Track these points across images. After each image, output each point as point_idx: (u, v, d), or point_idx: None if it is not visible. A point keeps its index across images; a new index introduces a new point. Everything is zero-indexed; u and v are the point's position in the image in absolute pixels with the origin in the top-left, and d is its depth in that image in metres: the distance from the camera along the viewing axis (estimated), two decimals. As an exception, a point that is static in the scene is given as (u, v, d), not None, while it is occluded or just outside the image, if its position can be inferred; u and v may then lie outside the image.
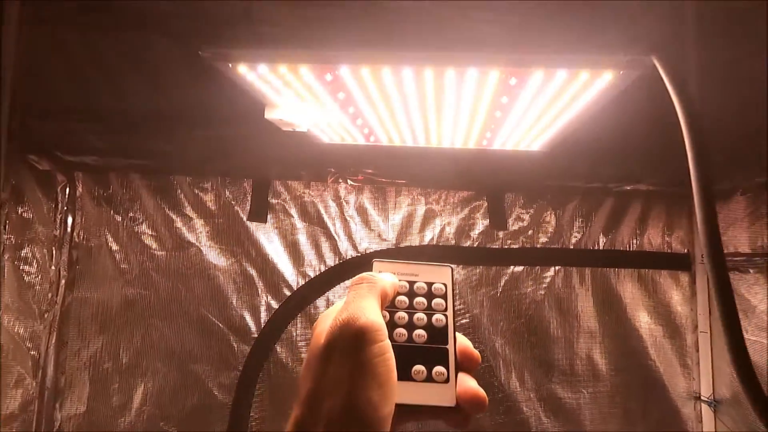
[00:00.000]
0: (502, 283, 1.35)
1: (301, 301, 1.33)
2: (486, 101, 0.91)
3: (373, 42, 1.22)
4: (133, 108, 1.30)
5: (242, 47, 0.82)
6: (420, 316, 0.42)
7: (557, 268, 1.36)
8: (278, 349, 1.32)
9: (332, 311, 0.38)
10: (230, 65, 0.83)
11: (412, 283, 0.43)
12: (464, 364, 0.40)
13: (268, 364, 1.32)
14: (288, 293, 1.34)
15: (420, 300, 0.42)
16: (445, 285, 0.43)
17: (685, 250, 1.37)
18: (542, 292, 1.35)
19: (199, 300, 1.32)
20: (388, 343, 0.36)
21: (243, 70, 0.85)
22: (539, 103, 0.90)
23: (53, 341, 1.31)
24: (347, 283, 1.34)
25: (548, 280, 1.36)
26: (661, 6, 1.34)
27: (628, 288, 1.36)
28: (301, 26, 1.29)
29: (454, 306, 0.43)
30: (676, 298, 1.36)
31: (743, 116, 1.26)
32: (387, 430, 0.33)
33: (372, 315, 0.36)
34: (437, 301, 0.43)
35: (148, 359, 1.32)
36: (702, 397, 1.33)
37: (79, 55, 1.29)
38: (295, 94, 0.93)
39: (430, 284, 0.43)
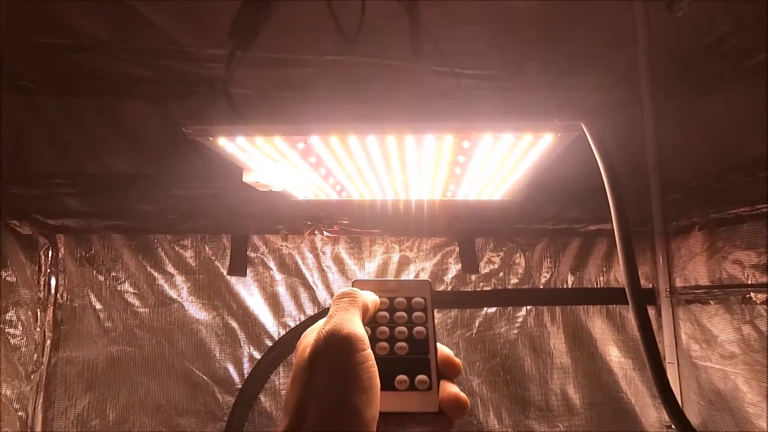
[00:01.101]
0: (476, 325, 1.38)
1: (283, 351, 1.34)
2: (445, 161, 0.96)
3: (340, 100, 1.25)
4: (112, 170, 1.33)
5: (222, 123, 0.85)
6: (401, 329, 0.43)
7: (529, 307, 1.39)
8: (262, 398, 1.33)
9: (316, 327, 0.39)
10: (211, 139, 0.86)
11: (392, 299, 0.45)
12: (446, 372, 0.42)
13: (252, 414, 1.33)
14: (269, 343, 1.35)
15: (400, 314, 0.44)
16: (425, 299, 0.45)
17: (650, 285, 1.40)
18: (515, 331, 1.38)
19: (182, 354, 1.33)
20: (370, 352, 0.37)
21: (222, 142, 0.88)
22: (493, 160, 0.95)
23: (40, 401, 1.30)
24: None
25: (520, 319, 1.39)
26: (612, 54, 1.39)
27: (598, 324, 1.39)
28: (271, 87, 1.33)
29: (433, 318, 0.44)
30: (643, 331, 1.39)
31: (698, 157, 1.31)
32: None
33: (354, 326, 0.37)
34: (417, 314, 0.44)
35: (135, 414, 1.32)
36: (672, 427, 1.36)
37: (58, 120, 1.32)
38: (270, 160, 0.97)
39: (409, 299, 0.45)
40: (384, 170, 1.03)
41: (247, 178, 0.99)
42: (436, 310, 0.46)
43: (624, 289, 1.40)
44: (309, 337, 0.38)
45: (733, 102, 1.22)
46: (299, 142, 0.87)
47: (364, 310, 0.41)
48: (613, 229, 1.39)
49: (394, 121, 0.79)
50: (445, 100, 1.34)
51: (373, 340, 0.42)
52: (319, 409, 0.34)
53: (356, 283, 0.45)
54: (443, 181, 1.08)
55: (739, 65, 1.21)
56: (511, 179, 1.06)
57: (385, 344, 0.42)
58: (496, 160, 0.94)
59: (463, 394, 0.40)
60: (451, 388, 0.40)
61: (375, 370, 0.37)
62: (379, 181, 1.12)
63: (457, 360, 0.42)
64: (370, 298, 0.43)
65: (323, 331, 0.37)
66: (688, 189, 1.34)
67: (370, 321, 0.43)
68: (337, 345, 0.36)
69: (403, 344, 0.42)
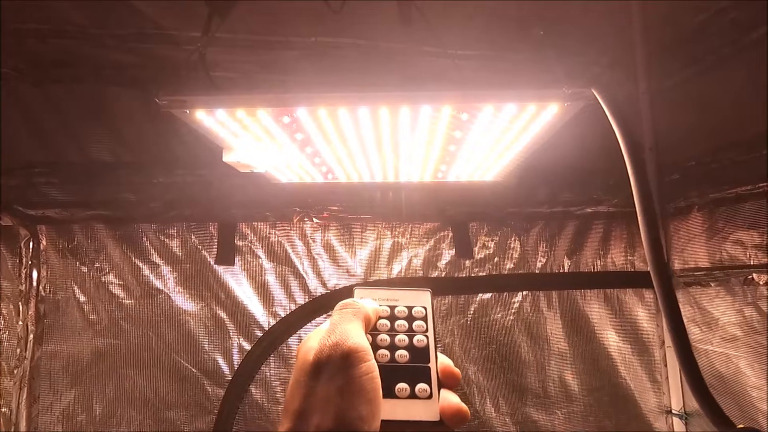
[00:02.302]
0: (471, 311, 1.31)
1: (274, 341, 1.27)
2: (440, 136, 0.88)
3: (328, 83, 1.17)
4: (93, 159, 1.24)
5: (200, 94, 0.77)
6: (401, 338, 0.42)
7: (525, 293, 1.32)
8: (253, 390, 1.26)
9: (318, 333, 0.38)
10: (188, 111, 0.78)
11: (393, 308, 0.44)
12: (446, 382, 0.40)
13: (243, 406, 1.25)
14: (259, 334, 1.27)
15: (401, 323, 0.43)
16: (425, 308, 0.44)
17: (647, 268, 1.33)
18: (511, 317, 1.31)
19: (170, 346, 1.26)
20: (374, 362, 0.36)
21: (201, 115, 0.80)
22: (491, 136, 0.87)
23: (24, 397, 1.23)
24: (319, 320, 1.29)
25: (516, 305, 1.32)
26: (607, 33, 1.31)
27: (595, 308, 1.32)
28: (256, 70, 1.25)
29: (434, 327, 0.43)
30: (641, 315, 1.32)
31: (696, 136, 1.24)
32: None
33: (358, 337, 0.37)
34: (418, 324, 0.43)
35: (123, 409, 1.24)
36: (673, 411, 1.29)
37: (37, 109, 1.23)
38: (254, 137, 0.89)
39: (410, 308, 0.44)
40: (374, 148, 0.94)
41: (228, 158, 0.91)
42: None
43: (621, 272, 1.36)
44: (311, 341, 0.37)
45: (732, 78, 1.15)
46: (285, 115, 0.79)
47: (366, 321, 0.40)
48: (609, 212, 1.34)
49: (389, 91, 0.70)
50: (438, 83, 1.26)
51: (374, 347, 0.40)
52: (322, 418, 0.33)
53: (358, 290, 0.44)
54: (435, 159, 1.00)
55: (738, 40, 1.13)
56: (506, 157, 0.98)
57: (385, 352, 0.41)
58: (495, 135, 0.86)
59: (464, 405, 0.38)
60: (452, 398, 0.39)
61: (378, 381, 0.36)
62: (367, 161, 1.03)
63: (457, 370, 0.41)
64: (372, 307, 0.42)
65: (328, 342, 0.36)
66: (686, 169, 1.27)
67: (372, 329, 0.42)
68: (341, 356, 0.35)
69: (404, 352, 0.41)
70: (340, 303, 0.40)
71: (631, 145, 0.65)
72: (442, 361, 0.41)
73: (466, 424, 0.40)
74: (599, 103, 0.72)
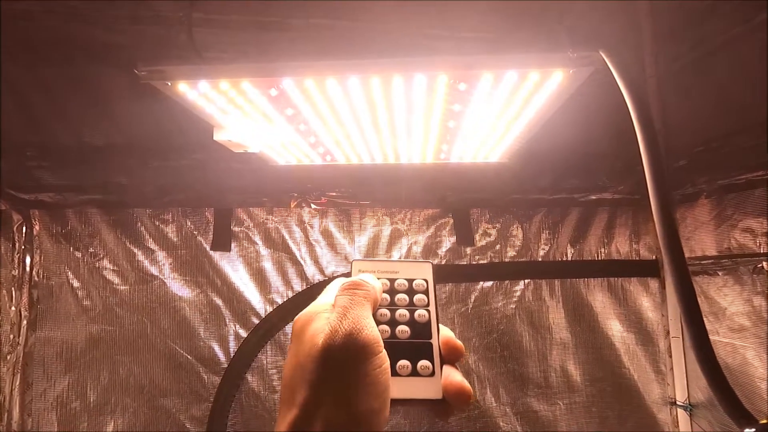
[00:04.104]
0: (472, 300, 1.25)
1: (270, 329, 1.22)
2: (438, 109, 0.81)
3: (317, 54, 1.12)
4: (86, 142, 1.19)
5: (180, 64, 0.71)
6: (402, 313, 0.40)
7: (527, 281, 1.26)
8: (249, 378, 1.21)
9: (321, 309, 0.36)
10: (169, 83, 0.72)
11: (392, 281, 0.41)
12: (449, 356, 0.38)
13: (239, 394, 1.21)
14: (256, 321, 1.23)
15: (401, 296, 0.40)
16: (426, 281, 0.41)
17: (653, 257, 1.28)
18: (513, 306, 1.25)
19: (165, 333, 1.21)
20: (385, 353, 0.35)
21: (183, 88, 0.74)
22: (492, 109, 0.80)
23: (17, 383, 1.19)
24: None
25: (518, 293, 1.26)
26: (613, 17, 1.25)
27: (599, 297, 1.27)
28: (250, 52, 1.19)
29: (436, 301, 0.41)
30: (646, 304, 1.27)
31: (704, 120, 1.18)
32: (383, 430, 0.33)
33: (372, 328, 0.35)
34: (419, 297, 0.40)
35: (117, 396, 1.20)
36: (677, 402, 1.24)
37: (28, 91, 1.18)
38: (242, 113, 0.83)
39: (410, 280, 0.41)
40: (369, 124, 0.87)
41: (219, 137, 0.85)
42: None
43: (625, 261, 1.30)
44: (318, 322, 0.34)
45: (742, 60, 1.09)
46: (271, 87, 0.73)
47: (374, 304, 0.38)
48: (614, 199, 1.28)
49: (378, 57, 0.65)
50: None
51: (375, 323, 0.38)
52: (334, 412, 0.32)
53: (357, 263, 0.41)
54: (436, 137, 0.93)
55: (749, 20, 1.07)
56: (510, 134, 0.92)
57: (386, 327, 0.38)
58: (496, 108, 0.79)
59: (467, 384, 0.36)
60: (455, 376, 0.37)
61: (389, 371, 0.34)
62: (364, 139, 0.96)
63: (459, 342, 0.39)
64: (378, 286, 0.40)
65: (341, 331, 0.33)
66: (694, 154, 1.21)
67: None
68: (355, 349, 0.33)
69: (405, 328, 0.39)
70: (349, 282, 0.37)
71: (642, 113, 0.58)
72: (444, 334, 0.39)
73: (467, 409, 0.35)
74: (607, 70, 0.65)
